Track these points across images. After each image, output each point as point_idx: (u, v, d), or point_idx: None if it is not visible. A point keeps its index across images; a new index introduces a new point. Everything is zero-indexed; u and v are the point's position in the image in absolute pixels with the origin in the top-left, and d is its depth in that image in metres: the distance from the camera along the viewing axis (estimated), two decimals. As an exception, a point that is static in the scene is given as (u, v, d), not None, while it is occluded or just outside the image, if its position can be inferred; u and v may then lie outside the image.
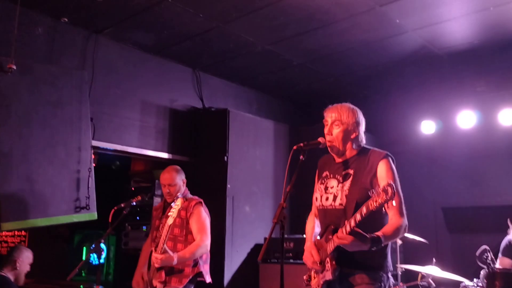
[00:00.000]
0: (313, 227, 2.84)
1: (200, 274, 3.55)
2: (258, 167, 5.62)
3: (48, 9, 4.36)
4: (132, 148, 5.08)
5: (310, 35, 4.84)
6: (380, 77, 5.99)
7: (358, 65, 5.64)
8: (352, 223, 2.34)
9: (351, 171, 2.64)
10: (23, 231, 7.56)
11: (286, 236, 2.95)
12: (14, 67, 3.81)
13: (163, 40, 5.04)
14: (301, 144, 2.56)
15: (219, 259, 4.90)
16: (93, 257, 7.28)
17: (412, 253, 5.19)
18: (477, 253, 4.00)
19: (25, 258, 4.10)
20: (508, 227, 4.62)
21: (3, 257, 4.28)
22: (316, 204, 2.78)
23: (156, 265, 3.38)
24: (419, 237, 4.53)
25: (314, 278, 2.65)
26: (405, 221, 2.52)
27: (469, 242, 4.84)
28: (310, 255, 2.64)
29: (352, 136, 2.69)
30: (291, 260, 4.76)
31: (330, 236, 2.53)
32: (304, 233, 2.93)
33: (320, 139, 2.66)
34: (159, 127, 5.37)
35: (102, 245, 6.80)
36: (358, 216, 2.32)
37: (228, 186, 5.19)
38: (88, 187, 4.29)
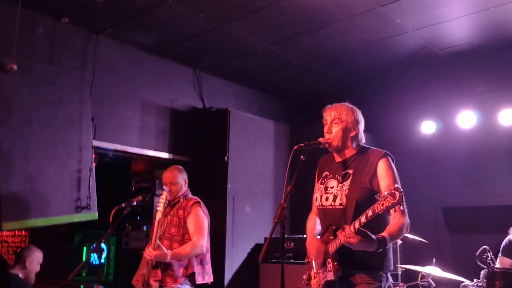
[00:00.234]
0: (314, 226, 2.84)
1: (193, 274, 3.55)
2: (259, 167, 5.63)
3: (49, 9, 4.37)
4: (133, 148, 5.09)
5: (310, 35, 4.84)
6: (380, 77, 6.00)
7: (358, 65, 5.64)
8: (357, 225, 2.34)
9: (350, 171, 2.65)
10: (23, 231, 7.57)
11: (286, 236, 2.95)
12: (15, 67, 3.81)
13: (163, 40, 5.04)
14: (302, 144, 2.56)
15: (219, 259, 4.90)
16: (94, 257, 7.28)
17: (412, 253, 5.19)
18: (477, 253, 4.00)
19: (35, 258, 4.18)
20: (510, 227, 4.61)
21: (2, 257, 4.32)
22: (316, 204, 2.79)
23: (148, 258, 3.40)
24: (419, 237, 4.53)
25: (314, 277, 2.65)
26: (407, 220, 2.52)
27: (469, 242, 4.84)
28: (312, 246, 2.66)
29: (352, 134, 2.70)
30: (292, 260, 4.76)
31: (331, 237, 2.54)
32: (305, 233, 2.94)
33: (321, 139, 2.67)
34: (159, 127, 5.38)
35: (103, 245, 6.80)
36: (363, 219, 2.32)
37: (229, 186, 5.20)
38: (89, 187, 4.30)
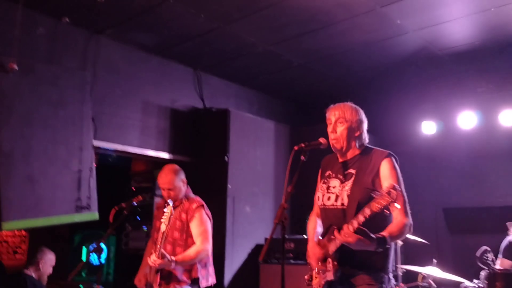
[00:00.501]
0: (315, 227, 2.83)
1: (197, 279, 3.51)
2: (259, 168, 5.62)
3: (50, 9, 4.37)
4: (133, 148, 5.09)
5: (311, 36, 4.85)
6: (380, 78, 6.00)
7: (358, 65, 5.65)
8: (355, 225, 2.32)
9: (353, 171, 2.64)
10: (23, 231, 7.57)
11: (287, 236, 2.95)
12: (16, 67, 3.82)
13: (164, 41, 5.05)
14: (302, 145, 2.56)
15: (219, 260, 4.90)
16: (93, 257, 7.28)
17: (413, 253, 5.18)
18: (478, 253, 4.00)
19: (48, 260, 4.27)
20: (507, 229, 4.62)
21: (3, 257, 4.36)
22: (318, 203, 2.78)
23: (153, 266, 3.38)
24: (420, 238, 4.53)
25: (316, 278, 2.64)
26: (409, 220, 2.49)
27: (470, 243, 4.82)
28: (313, 253, 2.64)
29: (356, 134, 2.69)
30: (292, 261, 4.76)
31: (332, 237, 2.53)
32: (305, 234, 2.93)
33: (321, 139, 2.64)
34: (160, 127, 5.38)
35: (102, 245, 6.81)
36: (361, 218, 2.31)
37: (229, 186, 5.20)
38: (89, 187, 4.30)
